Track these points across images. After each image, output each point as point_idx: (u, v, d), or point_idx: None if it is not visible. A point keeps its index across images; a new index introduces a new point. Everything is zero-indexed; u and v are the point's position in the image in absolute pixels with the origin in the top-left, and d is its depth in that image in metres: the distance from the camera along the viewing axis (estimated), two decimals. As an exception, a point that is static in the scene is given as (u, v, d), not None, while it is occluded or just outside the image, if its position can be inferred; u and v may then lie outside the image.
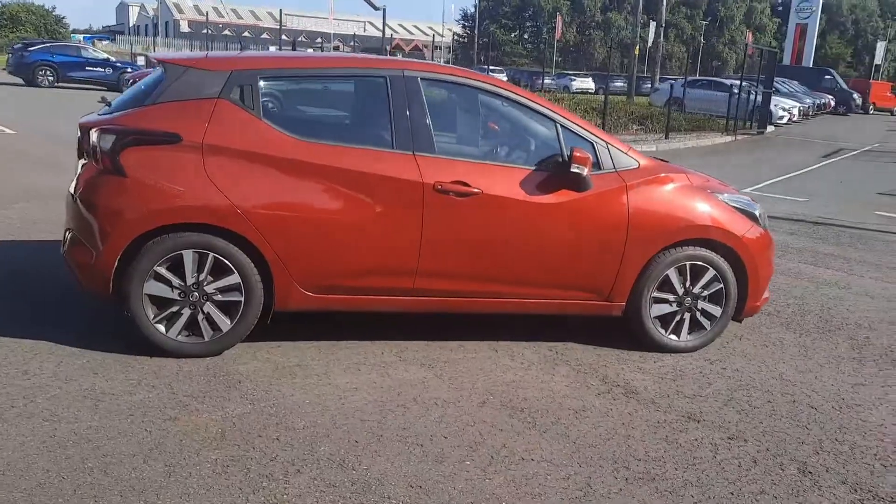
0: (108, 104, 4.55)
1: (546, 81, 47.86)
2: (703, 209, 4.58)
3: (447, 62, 56.64)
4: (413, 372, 4.13)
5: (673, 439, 3.57)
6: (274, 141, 4.02)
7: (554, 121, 4.43)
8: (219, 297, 4.03)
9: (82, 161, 4.20)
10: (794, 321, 5.48)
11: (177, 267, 3.96)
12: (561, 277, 4.45)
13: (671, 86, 28.25)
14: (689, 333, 4.70)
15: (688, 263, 4.57)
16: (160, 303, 3.99)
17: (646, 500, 3.03)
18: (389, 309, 4.36)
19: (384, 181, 4.11)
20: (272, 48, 52.95)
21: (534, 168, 4.34)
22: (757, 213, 4.80)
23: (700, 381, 4.28)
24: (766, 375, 4.44)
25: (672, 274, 4.56)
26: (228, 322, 4.07)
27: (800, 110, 30.45)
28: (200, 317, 4.03)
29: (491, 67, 53.50)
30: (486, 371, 4.21)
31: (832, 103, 38.62)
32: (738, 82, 27.08)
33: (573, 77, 45.17)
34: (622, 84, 48.13)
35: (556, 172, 4.32)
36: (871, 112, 44.62)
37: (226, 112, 4.01)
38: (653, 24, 61.27)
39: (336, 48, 58.62)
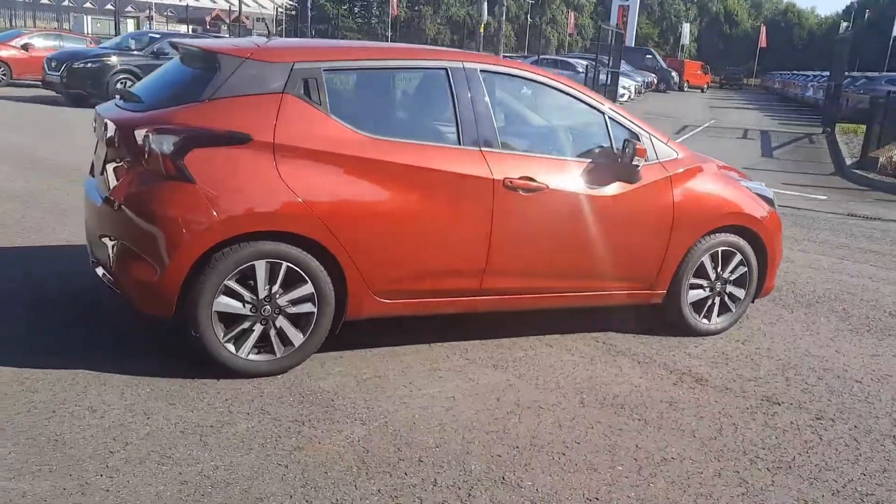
0: (127, 95, 4.04)
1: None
2: (735, 197, 4.77)
3: (276, 35, 54.88)
4: (491, 375, 4.01)
5: (773, 424, 3.71)
6: (344, 139, 3.73)
7: (602, 112, 4.42)
8: (291, 310, 3.71)
9: (114, 164, 3.70)
10: (775, 297, 5.80)
11: (246, 280, 3.60)
12: (614, 269, 4.47)
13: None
14: (717, 316, 4.89)
15: (720, 249, 4.74)
16: (229, 320, 3.61)
17: (802, 490, 3.13)
18: (457, 310, 4.20)
19: (456, 179, 3.94)
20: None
21: (589, 161, 4.31)
22: (772, 197, 5.05)
23: (748, 364, 4.47)
24: (797, 353, 4.70)
25: (706, 260, 4.72)
26: (301, 336, 3.76)
27: (635, 88, 32.30)
28: (273, 332, 3.69)
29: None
30: (556, 368, 4.17)
31: (655, 81, 41.29)
32: (583, 62, 28.29)
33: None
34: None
35: (610, 164, 4.32)
36: (686, 89, 48.15)
37: (293, 108, 3.67)
38: (485, 3, 62.64)
39: (150, 18, 54.98)
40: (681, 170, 4.55)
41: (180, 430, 3.18)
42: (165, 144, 3.45)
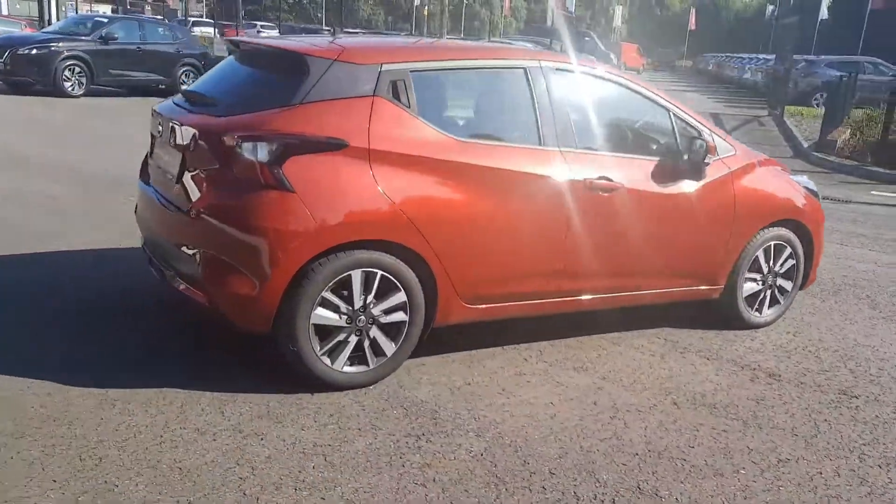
0: (195, 96, 3.83)
1: (325, 39, 46.93)
2: (788, 192, 4.84)
3: (203, 17, 53.34)
4: (575, 377, 3.98)
5: (861, 419, 3.78)
6: (432, 142, 3.62)
7: (668, 110, 4.41)
8: (384, 319, 3.60)
9: (195, 171, 3.50)
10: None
11: (341, 290, 3.47)
12: (682, 266, 4.50)
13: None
14: (768, 309, 4.96)
15: (773, 243, 4.80)
16: (324, 332, 3.48)
17: (920, 484, 3.21)
18: (538, 314, 4.14)
19: (539, 180, 3.88)
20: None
21: (659, 159, 4.30)
22: (817, 190, 5.14)
23: (809, 356, 4.55)
24: (847, 343, 4.81)
25: (760, 254, 4.78)
26: (393, 345, 3.65)
27: (580, 71, 32.50)
28: (366, 343, 3.58)
29: (261, 24, 51.30)
30: (634, 368, 4.16)
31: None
32: (530, 45, 28.35)
33: (352, 35, 44.38)
34: (401, 43, 48.21)
35: (678, 162, 4.32)
36: (624, 71, 48.80)
37: (384, 111, 3.53)
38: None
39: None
40: (740, 166, 4.59)
41: (300, 450, 3.04)
42: (262, 152, 3.28)
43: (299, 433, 3.18)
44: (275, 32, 48.23)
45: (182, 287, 3.58)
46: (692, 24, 66.52)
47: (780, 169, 5.09)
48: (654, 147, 4.41)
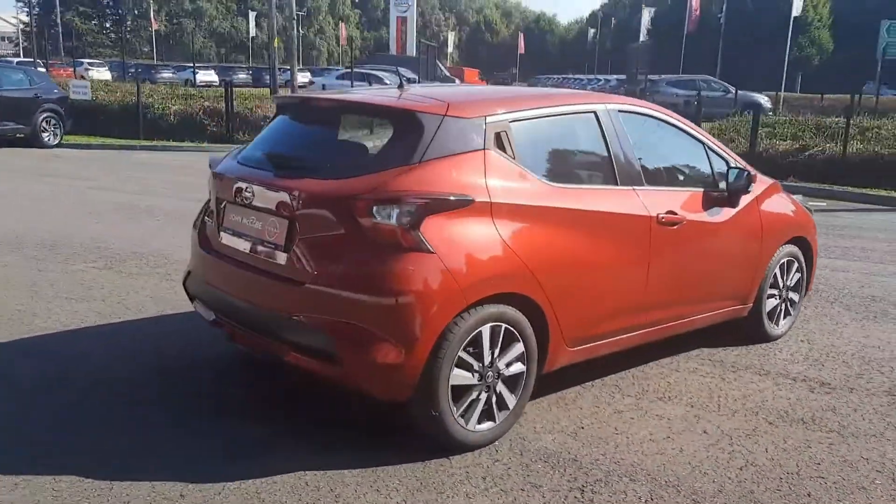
0: (278, 159, 3.62)
1: (165, 74, 45.02)
2: (796, 211, 5.22)
3: (21, 57, 49.85)
4: (667, 408, 4.06)
5: (926, 419, 4.12)
6: (535, 190, 3.62)
7: (703, 143, 4.64)
8: (506, 372, 3.54)
9: (311, 236, 3.30)
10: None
11: (471, 347, 3.38)
12: (726, 289, 4.73)
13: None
14: (782, 320, 5.30)
15: (786, 259, 5.15)
16: (459, 392, 3.37)
17: None
18: (622, 349, 4.20)
19: (624, 219, 3.97)
20: None
21: (705, 190, 4.51)
22: (810, 207, 5.57)
23: (838, 362, 4.88)
24: (858, 346, 5.18)
25: (777, 271, 5.10)
26: (514, 397, 3.60)
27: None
28: (494, 398, 3.50)
29: (88, 61, 48.48)
30: (710, 392, 4.29)
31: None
32: (387, 73, 28.67)
33: (195, 70, 42.98)
34: (245, 76, 47.14)
35: (720, 192, 4.55)
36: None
37: (495, 164, 3.50)
38: (251, 14, 61.12)
39: None
40: (761, 190, 4.89)
41: (492, 522, 2.93)
42: (400, 215, 3.15)
43: (470, 502, 3.05)
44: (105, 70, 45.66)
45: (293, 357, 3.36)
46: (521, 48, 69.55)
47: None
48: (697, 179, 4.61)
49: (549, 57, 78.16)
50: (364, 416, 3.78)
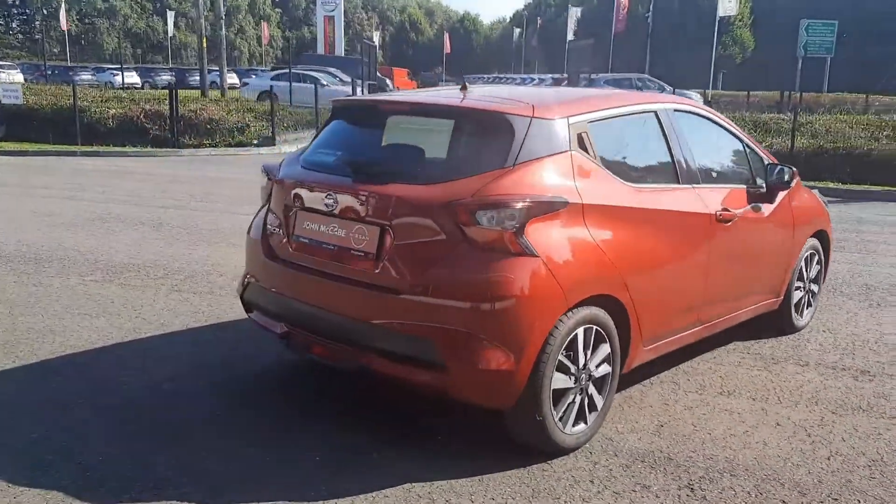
0: (355, 166, 3.50)
1: (85, 77, 43.37)
2: (818, 204, 5.37)
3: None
4: (733, 402, 4.10)
5: (969, 398, 4.28)
6: (616, 190, 3.61)
7: (742, 141, 4.72)
8: (595, 374, 3.51)
9: (400, 246, 3.20)
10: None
11: (568, 351, 3.35)
12: (766, 283, 4.83)
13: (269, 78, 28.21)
14: (805, 311, 5.44)
15: (809, 252, 5.28)
16: (557, 396, 3.33)
17: None
18: (680, 346, 4.22)
19: (690, 217, 4.02)
20: None
21: (748, 186, 4.59)
22: (825, 200, 5.73)
23: (867, 350, 5.03)
24: (877, 334, 5.37)
25: (802, 264, 5.24)
26: (602, 398, 3.58)
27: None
28: (585, 400, 3.47)
29: (-1, 64, 46.28)
30: (763, 384, 4.37)
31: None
32: (322, 75, 28.34)
33: (115, 72, 41.43)
34: (169, 78, 45.81)
35: (761, 188, 4.64)
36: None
37: (580, 165, 3.47)
38: (170, 14, 59.46)
39: None
40: (791, 186, 5.00)
41: (616, 526, 2.89)
42: (507, 219, 3.09)
43: (592, 507, 3.02)
44: (17, 73, 43.61)
45: (381, 365, 3.26)
46: (447, 48, 69.78)
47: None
48: (740, 176, 4.67)
49: (474, 56, 78.64)
50: (443, 422, 3.70)
